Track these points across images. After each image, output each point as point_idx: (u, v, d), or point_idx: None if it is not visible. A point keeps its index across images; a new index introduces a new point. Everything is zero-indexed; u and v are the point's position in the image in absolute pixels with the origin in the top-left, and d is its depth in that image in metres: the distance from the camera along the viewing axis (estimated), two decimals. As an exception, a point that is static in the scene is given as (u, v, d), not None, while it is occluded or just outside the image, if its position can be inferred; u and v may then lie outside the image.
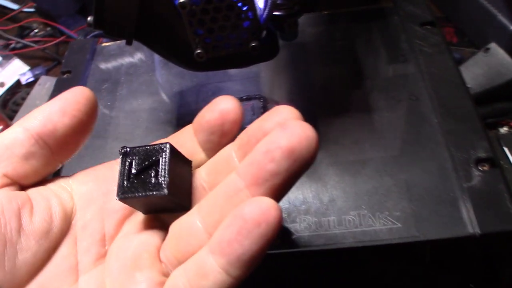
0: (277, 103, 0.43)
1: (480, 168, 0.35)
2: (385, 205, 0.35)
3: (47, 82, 0.71)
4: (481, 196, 0.34)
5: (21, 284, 0.25)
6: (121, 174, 0.26)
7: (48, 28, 0.83)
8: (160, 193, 0.25)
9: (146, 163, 0.26)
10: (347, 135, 0.40)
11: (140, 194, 0.25)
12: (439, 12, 0.70)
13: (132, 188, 0.25)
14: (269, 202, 0.22)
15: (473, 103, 0.39)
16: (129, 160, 0.26)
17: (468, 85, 0.55)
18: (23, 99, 0.72)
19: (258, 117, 0.42)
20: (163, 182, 0.25)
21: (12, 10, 0.88)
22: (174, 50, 0.34)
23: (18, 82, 0.76)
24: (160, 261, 0.26)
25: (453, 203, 0.34)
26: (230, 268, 0.22)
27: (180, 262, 0.25)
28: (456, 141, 0.37)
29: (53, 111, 0.27)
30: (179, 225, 0.26)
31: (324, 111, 0.42)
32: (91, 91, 0.28)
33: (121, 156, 0.26)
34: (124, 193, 0.25)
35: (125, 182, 0.26)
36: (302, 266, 0.38)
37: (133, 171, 0.26)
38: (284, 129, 0.23)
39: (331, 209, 0.35)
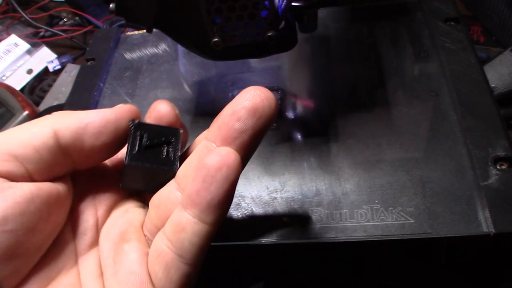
0: (295, 96, 0.43)
1: (498, 167, 0.35)
2: (399, 200, 0.35)
3: (73, 70, 0.73)
4: (498, 195, 0.33)
5: (34, 262, 0.26)
6: (132, 143, 0.26)
7: (77, 18, 0.84)
8: (170, 169, 0.26)
9: (157, 140, 0.27)
10: (364, 129, 0.39)
11: (149, 165, 0.26)
12: (466, 10, 0.69)
13: (142, 158, 0.26)
14: (227, 149, 0.24)
15: (494, 101, 0.39)
16: (140, 133, 0.27)
17: (493, 85, 0.55)
18: (50, 86, 0.74)
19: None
20: (175, 160, 0.27)
21: (43, -1, 0.90)
22: (192, 39, 0.35)
23: (45, 69, 0.78)
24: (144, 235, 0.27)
25: (469, 201, 0.34)
26: (204, 216, 0.24)
27: (159, 230, 0.26)
28: (474, 139, 0.36)
29: (88, 128, 0.26)
30: (158, 197, 0.28)
31: (342, 105, 0.42)
32: (137, 109, 0.28)
33: (132, 128, 0.27)
34: (133, 160, 0.26)
35: (135, 150, 0.26)
36: (312, 257, 0.38)
37: (144, 143, 0.26)
38: (247, 93, 0.25)
39: (343, 202, 0.35)
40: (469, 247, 0.36)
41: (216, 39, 0.32)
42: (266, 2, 0.30)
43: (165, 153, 0.27)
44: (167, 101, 0.29)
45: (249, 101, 0.25)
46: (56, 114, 0.27)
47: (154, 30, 0.51)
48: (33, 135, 0.26)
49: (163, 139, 0.27)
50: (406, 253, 0.38)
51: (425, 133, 0.38)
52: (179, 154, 0.27)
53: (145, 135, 0.27)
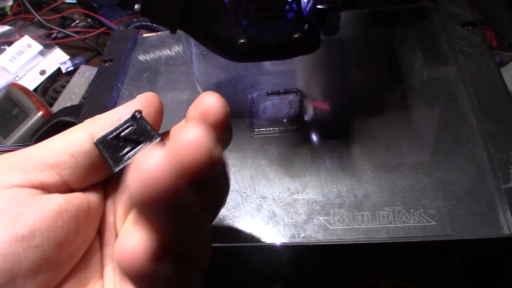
0: (314, 98, 0.44)
1: (519, 170, 0.35)
2: (420, 202, 0.35)
3: (87, 71, 0.73)
4: (519, 198, 0.34)
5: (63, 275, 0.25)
6: (115, 128, 0.26)
7: (89, 20, 0.85)
8: (112, 168, 0.26)
9: (133, 136, 0.26)
10: (384, 131, 0.40)
11: (104, 154, 0.26)
12: (479, 14, 0.69)
13: (107, 145, 0.26)
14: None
15: (513, 105, 0.39)
16: (129, 123, 0.27)
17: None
18: (63, 87, 0.74)
19: (295, 110, 0.42)
20: (124, 161, 0.26)
21: (55, 1, 0.90)
22: (217, 40, 0.35)
23: (58, 70, 0.78)
24: None
25: (490, 204, 0.34)
26: None
27: None
28: (494, 142, 0.37)
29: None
30: None
31: (361, 107, 0.42)
32: (159, 98, 0.28)
33: (131, 115, 0.27)
34: (99, 144, 0.26)
35: (109, 137, 0.26)
36: (333, 258, 0.38)
37: (124, 134, 0.26)
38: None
39: (365, 204, 0.36)
40: (489, 249, 0.36)
41: (242, 41, 0.32)
42: (294, 4, 0.30)
43: (125, 152, 0.26)
44: (217, 94, 0.25)
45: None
46: (87, 120, 0.27)
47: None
48: (68, 142, 0.26)
49: (139, 138, 0.26)
50: (422, 255, 0.38)
51: (445, 136, 0.38)
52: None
53: (131, 127, 0.27)
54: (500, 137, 0.37)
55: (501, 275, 0.39)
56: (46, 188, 0.25)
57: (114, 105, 0.47)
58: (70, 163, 0.25)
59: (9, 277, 0.22)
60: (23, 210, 0.23)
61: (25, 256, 0.23)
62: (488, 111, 0.39)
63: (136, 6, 0.35)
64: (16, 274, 0.22)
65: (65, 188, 0.26)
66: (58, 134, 0.27)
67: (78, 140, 0.26)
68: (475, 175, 0.36)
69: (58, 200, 0.24)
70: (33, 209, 0.24)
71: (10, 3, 0.97)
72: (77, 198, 0.26)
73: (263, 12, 0.31)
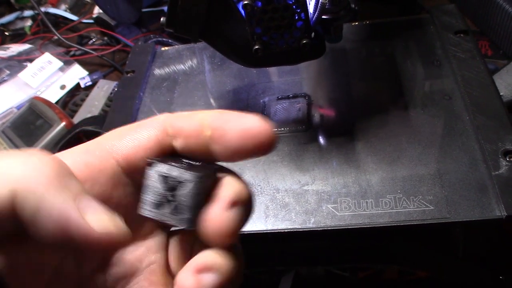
0: (320, 103, 0.48)
1: (507, 159, 0.39)
2: (419, 190, 0.39)
3: (105, 85, 0.78)
4: (508, 183, 0.37)
5: None
6: (145, 188, 0.24)
7: (105, 38, 0.90)
8: (185, 227, 0.23)
9: (171, 185, 0.23)
10: (385, 129, 0.44)
11: (163, 219, 0.24)
12: (474, 26, 0.73)
13: (155, 209, 0.24)
14: None
15: (502, 102, 0.43)
16: (155, 175, 0.23)
17: (502, 93, 0.59)
18: (82, 100, 0.78)
19: (303, 112, 0.46)
20: (188, 216, 0.23)
21: (73, 21, 0.95)
22: (234, 48, 0.39)
23: (77, 85, 0.83)
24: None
25: (482, 189, 0.38)
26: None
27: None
28: (486, 135, 0.41)
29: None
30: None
31: (363, 108, 0.46)
32: None
33: (147, 167, 0.24)
34: (146, 212, 0.24)
35: (148, 199, 0.24)
36: (341, 244, 0.42)
37: (158, 189, 0.24)
38: None
39: (369, 192, 0.39)
40: (484, 232, 0.39)
41: (257, 47, 0.36)
42: (302, 14, 0.35)
43: (178, 203, 0.23)
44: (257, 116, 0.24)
45: None
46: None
47: (187, 46, 0.57)
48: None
49: (178, 183, 0.23)
50: (424, 240, 0.42)
51: (441, 131, 0.42)
52: (193, 203, 0.23)
53: (160, 178, 0.23)
54: (491, 130, 0.41)
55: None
56: None
57: (137, 111, 0.52)
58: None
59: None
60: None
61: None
62: (479, 108, 0.43)
63: (162, 19, 0.39)
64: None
65: None
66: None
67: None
68: (469, 164, 0.40)
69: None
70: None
71: (29, 23, 1.02)
72: None
73: (276, 21, 0.35)
